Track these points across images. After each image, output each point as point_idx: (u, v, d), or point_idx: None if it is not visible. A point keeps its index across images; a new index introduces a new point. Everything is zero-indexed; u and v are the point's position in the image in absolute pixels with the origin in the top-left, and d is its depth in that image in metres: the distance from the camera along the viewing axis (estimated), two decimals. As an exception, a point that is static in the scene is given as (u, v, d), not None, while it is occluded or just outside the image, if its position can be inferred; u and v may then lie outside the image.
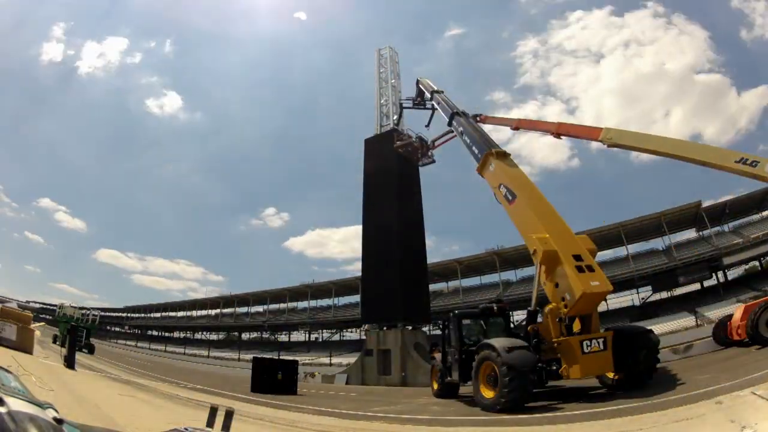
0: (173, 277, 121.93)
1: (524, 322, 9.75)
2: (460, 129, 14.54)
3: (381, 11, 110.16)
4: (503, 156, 12.00)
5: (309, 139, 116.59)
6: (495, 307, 11.06)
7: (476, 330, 11.18)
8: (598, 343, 8.27)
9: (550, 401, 8.24)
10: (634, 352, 8.51)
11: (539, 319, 9.35)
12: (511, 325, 11.75)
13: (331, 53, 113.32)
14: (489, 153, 12.05)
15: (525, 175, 11.56)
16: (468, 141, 13.67)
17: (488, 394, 8.32)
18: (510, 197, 10.81)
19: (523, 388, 7.73)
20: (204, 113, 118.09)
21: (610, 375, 8.92)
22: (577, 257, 8.81)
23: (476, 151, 12.88)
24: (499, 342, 8.38)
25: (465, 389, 10.62)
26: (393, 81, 32.70)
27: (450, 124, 15.60)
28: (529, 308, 9.62)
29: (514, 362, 7.73)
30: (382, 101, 32.37)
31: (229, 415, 2.04)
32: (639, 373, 8.51)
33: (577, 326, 8.80)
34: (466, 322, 11.27)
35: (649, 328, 9.86)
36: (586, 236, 10.67)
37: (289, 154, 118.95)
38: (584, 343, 8.19)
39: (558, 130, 13.61)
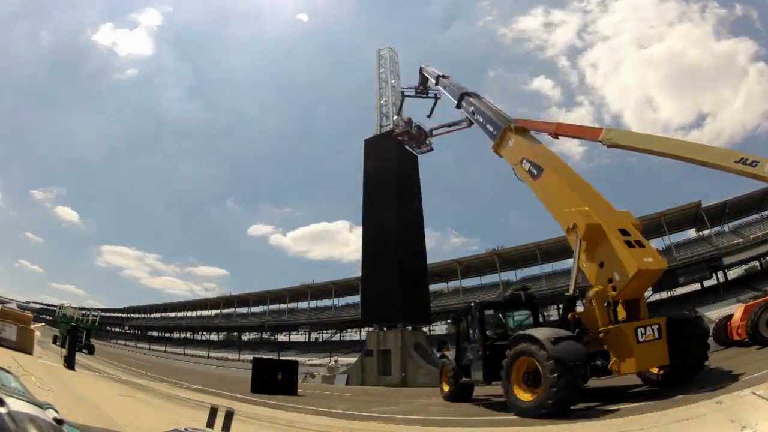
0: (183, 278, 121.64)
1: (562, 312, 8.46)
2: (471, 109, 13.59)
3: (383, 12, 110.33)
4: (522, 131, 11.22)
5: (309, 139, 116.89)
6: (522, 296, 9.70)
7: (498, 323, 9.92)
8: (653, 330, 7.08)
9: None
10: (684, 342, 7.31)
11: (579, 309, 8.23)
12: (540, 318, 10.50)
13: (332, 54, 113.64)
14: (507, 128, 11.23)
15: (549, 149, 10.68)
16: (481, 120, 12.77)
17: (525, 396, 7.06)
18: (535, 172, 9.78)
19: (573, 386, 6.50)
20: (206, 114, 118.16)
21: (654, 370, 7.89)
22: (624, 232, 7.74)
23: (491, 129, 11.94)
24: (541, 332, 7.11)
25: (480, 390, 10.20)
26: (393, 81, 32.71)
27: (459, 105, 14.35)
28: (567, 293, 8.28)
29: (562, 355, 6.50)
30: (382, 101, 32.38)
31: (229, 415, 2.04)
32: (689, 366, 7.42)
33: (621, 314, 7.61)
34: (488, 312, 9.92)
35: (699, 315, 8.72)
36: (628, 211, 9.05)
37: (289, 155, 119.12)
38: (639, 330, 6.97)
39: (556, 131, 13.48)
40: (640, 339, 6.93)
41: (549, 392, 6.45)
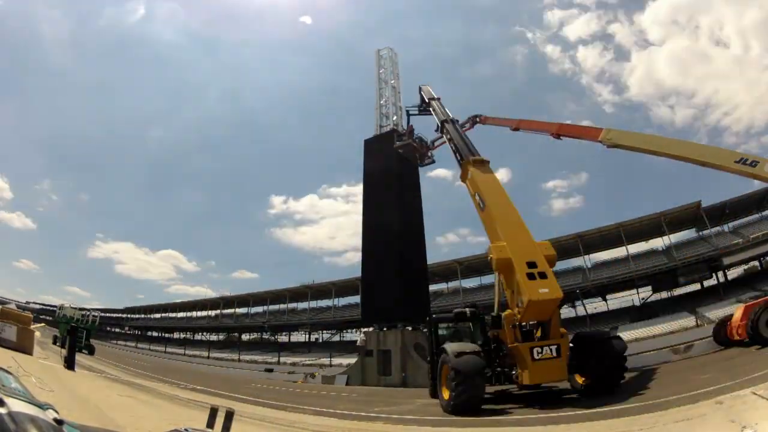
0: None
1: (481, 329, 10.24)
2: (449, 136, 14.93)
3: (384, 12, 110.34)
4: (480, 163, 12.23)
5: (310, 142, 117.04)
6: (468, 312, 11.02)
7: (453, 334, 11.33)
8: (551, 350, 8.30)
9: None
10: (597, 359, 8.41)
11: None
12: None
13: (334, 55, 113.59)
14: (467, 162, 12.27)
15: (497, 183, 11.88)
16: (454, 148, 13.95)
17: (445, 395, 8.72)
18: (482, 204, 11.10)
19: (471, 391, 8.01)
20: (204, 115, 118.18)
21: (580, 380, 8.91)
22: (532, 264, 8.88)
23: (459, 159, 13.15)
24: (450, 347, 8.78)
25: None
26: (393, 82, 32.74)
27: (441, 130, 16.00)
28: (492, 314, 10.07)
29: (460, 367, 8.13)
30: (381, 102, 32.39)
31: (229, 416, 2.04)
32: (603, 379, 8.36)
33: (538, 333, 8.90)
34: (442, 326, 11.68)
35: (616, 334, 10.09)
36: (548, 243, 10.27)
37: (291, 156, 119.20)
38: (535, 350, 8.30)
39: (558, 131, 13.69)
40: (536, 357, 8.25)
41: (451, 394, 8.17)
